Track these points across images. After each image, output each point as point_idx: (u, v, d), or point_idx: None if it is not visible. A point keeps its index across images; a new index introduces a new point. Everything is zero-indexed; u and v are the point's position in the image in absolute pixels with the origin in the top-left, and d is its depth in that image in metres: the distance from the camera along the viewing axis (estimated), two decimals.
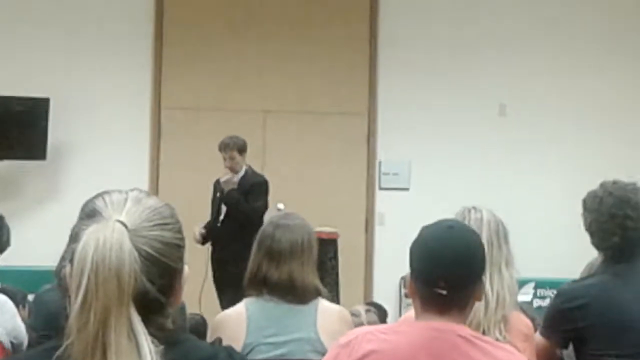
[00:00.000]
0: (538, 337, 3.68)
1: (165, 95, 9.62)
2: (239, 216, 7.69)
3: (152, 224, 1.66)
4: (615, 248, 3.68)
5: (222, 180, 7.92)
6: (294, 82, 9.67)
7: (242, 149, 8.01)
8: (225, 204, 7.89)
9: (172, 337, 1.66)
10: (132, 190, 1.74)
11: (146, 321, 1.58)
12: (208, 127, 9.38)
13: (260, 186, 8.02)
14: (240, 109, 9.56)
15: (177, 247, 1.69)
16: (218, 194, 8.00)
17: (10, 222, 8.88)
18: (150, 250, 1.62)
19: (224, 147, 7.99)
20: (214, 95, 9.61)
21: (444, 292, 2.43)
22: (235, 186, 7.85)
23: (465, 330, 2.44)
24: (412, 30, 9.83)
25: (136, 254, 1.59)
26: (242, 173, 7.98)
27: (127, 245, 1.58)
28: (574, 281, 3.93)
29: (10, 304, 3.74)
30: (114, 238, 1.57)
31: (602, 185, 3.76)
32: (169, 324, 1.66)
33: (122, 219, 1.63)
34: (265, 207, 7.90)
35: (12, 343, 3.62)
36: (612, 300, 3.59)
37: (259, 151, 9.49)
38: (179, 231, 1.72)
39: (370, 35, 9.83)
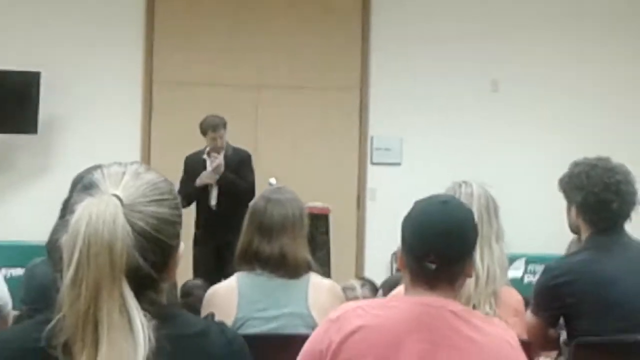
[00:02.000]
0: (529, 315, 3.70)
1: (157, 69, 9.59)
2: (240, 196, 7.41)
3: (148, 199, 1.65)
4: (615, 215, 3.70)
5: (211, 166, 7.77)
6: (286, 57, 9.65)
7: (226, 126, 7.95)
8: (225, 188, 7.72)
9: (165, 312, 1.66)
10: (131, 163, 1.73)
11: (139, 296, 1.58)
12: (200, 102, 9.35)
13: (249, 161, 7.97)
14: (232, 84, 9.54)
15: (173, 224, 1.69)
16: (206, 177, 7.83)
17: (1, 196, 8.95)
18: (144, 226, 1.62)
19: (213, 127, 7.82)
20: (206, 70, 9.57)
21: (433, 267, 2.44)
22: (222, 169, 7.77)
23: (455, 305, 2.44)
24: (405, 6, 9.81)
25: (130, 229, 1.59)
26: (224, 150, 7.90)
27: (121, 220, 1.57)
28: (561, 257, 3.95)
29: None
30: (107, 212, 1.57)
31: (577, 163, 3.81)
32: (161, 299, 1.66)
33: (118, 193, 1.62)
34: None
35: None
36: (599, 275, 3.60)
37: (252, 126, 9.48)
38: (176, 207, 1.71)
39: (363, 10, 9.81)
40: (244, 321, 3.51)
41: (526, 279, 9.01)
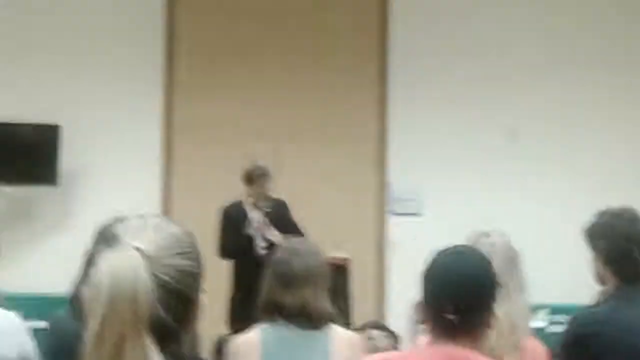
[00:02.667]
0: None
1: (177, 121, 9.63)
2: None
3: (170, 252, 1.65)
4: (637, 268, 3.68)
5: (258, 225, 7.76)
6: (303, 108, 9.67)
7: None
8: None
9: None
10: (153, 216, 1.74)
11: (161, 348, 1.58)
12: (219, 151, 9.39)
13: (288, 209, 7.99)
14: (251, 138, 9.55)
15: (195, 276, 1.69)
16: (249, 229, 7.81)
17: (22, 249, 8.98)
18: (167, 279, 1.62)
19: (259, 176, 7.84)
20: (225, 122, 9.60)
21: (452, 317, 2.42)
22: (267, 229, 7.73)
23: (478, 357, 2.42)
24: (423, 55, 9.82)
25: (152, 282, 1.59)
26: (265, 202, 7.90)
27: (143, 273, 1.57)
28: (588, 307, 3.92)
29: (18, 320, 3.72)
30: (129, 266, 1.57)
31: (602, 213, 3.80)
32: (183, 351, 1.66)
33: (140, 245, 1.63)
34: None
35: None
36: (624, 325, 3.57)
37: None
38: (198, 260, 1.71)
39: (380, 58, 9.84)
40: None
41: (550, 329, 8.94)
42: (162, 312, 1.60)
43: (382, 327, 6.39)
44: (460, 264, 2.48)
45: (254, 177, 7.75)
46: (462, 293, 2.44)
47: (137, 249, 1.61)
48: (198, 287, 1.70)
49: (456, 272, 2.46)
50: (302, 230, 7.74)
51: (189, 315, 1.68)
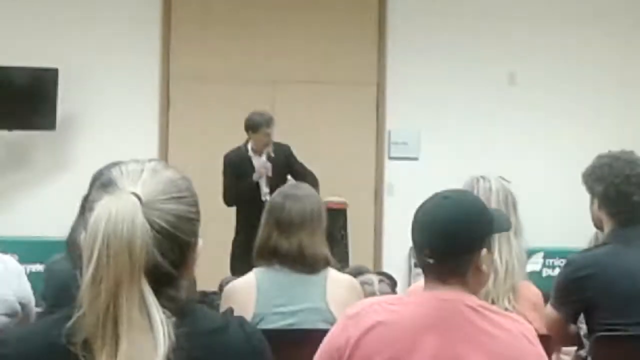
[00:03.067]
0: (549, 309, 3.67)
1: (174, 65, 9.60)
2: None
3: (167, 196, 1.65)
4: (636, 208, 3.69)
5: (258, 168, 7.74)
6: (302, 51, 9.65)
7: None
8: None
9: (184, 309, 1.66)
10: (149, 160, 1.73)
11: (158, 293, 1.59)
12: (217, 98, 9.39)
13: (293, 153, 7.97)
14: (248, 79, 9.54)
15: (192, 221, 1.69)
16: (254, 175, 7.79)
17: (20, 193, 9.00)
18: (163, 224, 1.63)
19: (266, 122, 7.75)
20: (222, 66, 9.58)
21: (431, 261, 2.45)
22: (270, 170, 7.75)
23: (472, 299, 2.44)
24: (422, 2, 9.79)
25: (148, 227, 1.59)
26: (269, 148, 7.87)
27: (140, 218, 1.58)
28: (583, 250, 3.92)
29: (14, 262, 3.73)
30: (126, 211, 1.57)
31: (601, 156, 3.80)
32: (180, 295, 1.66)
33: (136, 191, 1.63)
34: None
35: (20, 303, 3.63)
36: (620, 269, 3.57)
37: None
38: (194, 204, 1.71)
39: (379, 4, 9.79)
40: (262, 317, 3.52)
41: (544, 273, 8.99)
42: (159, 257, 1.61)
43: (378, 271, 6.42)
44: (440, 208, 2.49)
45: (257, 124, 7.72)
46: (437, 238, 2.46)
47: (134, 194, 1.62)
48: (195, 231, 1.70)
49: (435, 217, 2.47)
50: (309, 170, 7.79)
51: (186, 260, 1.69)
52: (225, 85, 9.52)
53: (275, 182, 7.47)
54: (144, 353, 1.53)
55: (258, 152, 7.82)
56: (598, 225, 3.86)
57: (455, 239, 2.46)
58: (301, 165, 7.90)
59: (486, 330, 2.37)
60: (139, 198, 1.61)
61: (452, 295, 2.42)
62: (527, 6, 9.79)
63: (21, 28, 9.29)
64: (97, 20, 9.42)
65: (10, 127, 9.13)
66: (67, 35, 9.34)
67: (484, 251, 2.46)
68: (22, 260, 3.88)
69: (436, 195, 2.54)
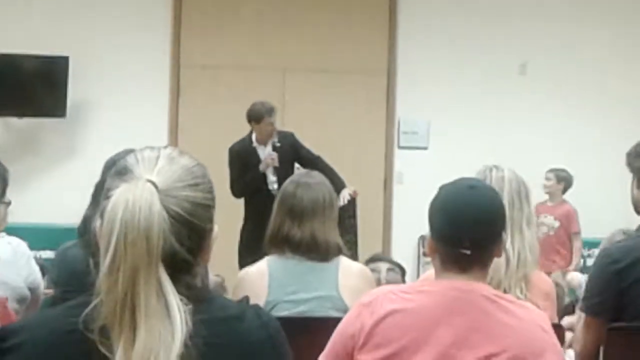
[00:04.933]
0: (589, 321, 3.43)
1: (185, 53, 9.60)
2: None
3: (183, 184, 1.65)
4: None
5: (265, 158, 7.71)
6: (313, 40, 9.64)
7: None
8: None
9: (200, 296, 1.66)
10: (165, 147, 1.73)
11: (175, 280, 1.59)
12: (227, 86, 9.39)
13: (298, 140, 7.95)
14: (259, 67, 9.54)
15: (207, 208, 1.69)
16: (261, 166, 7.76)
17: (30, 179, 9.01)
18: (180, 211, 1.62)
19: (268, 112, 7.73)
20: (233, 53, 9.58)
21: (468, 252, 2.44)
22: (276, 160, 7.70)
23: (487, 289, 2.45)
24: None
25: (165, 214, 1.59)
26: (273, 138, 7.89)
27: (157, 206, 1.58)
28: (618, 241, 3.74)
29: (24, 246, 3.73)
30: (143, 198, 1.57)
31: None
32: (197, 282, 1.67)
33: (152, 178, 1.63)
34: None
35: (29, 288, 3.64)
36: None
37: (278, 109, 9.47)
38: (210, 191, 1.71)
39: None
40: (274, 304, 3.52)
41: None
42: (176, 245, 1.61)
43: (388, 260, 6.42)
44: (474, 198, 2.49)
45: (259, 115, 7.72)
46: (477, 228, 2.46)
47: (150, 181, 1.62)
48: (211, 218, 1.71)
49: (471, 207, 2.47)
50: (317, 155, 7.80)
51: (202, 246, 1.69)
52: (235, 73, 9.52)
53: (283, 171, 7.47)
54: (161, 340, 1.53)
55: (263, 143, 7.82)
56: (637, 209, 3.55)
57: (493, 228, 2.49)
58: (308, 151, 7.89)
59: (501, 320, 2.38)
60: (156, 185, 1.61)
61: (467, 285, 2.43)
62: None
63: (32, 16, 9.30)
64: (108, 8, 9.41)
65: (21, 115, 9.15)
66: (78, 23, 9.35)
67: (505, 236, 2.50)
68: (32, 247, 3.88)
69: (457, 184, 2.53)
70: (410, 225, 9.02)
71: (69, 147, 9.38)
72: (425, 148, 9.77)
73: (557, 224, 8.33)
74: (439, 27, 9.70)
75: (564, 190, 8.39)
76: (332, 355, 2.52)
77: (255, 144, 7.83)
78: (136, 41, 9.41)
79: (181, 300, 1.57)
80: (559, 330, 2.83)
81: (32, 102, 9.10)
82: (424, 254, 8.99)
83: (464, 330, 2.37)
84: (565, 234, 8.25)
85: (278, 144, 7.79)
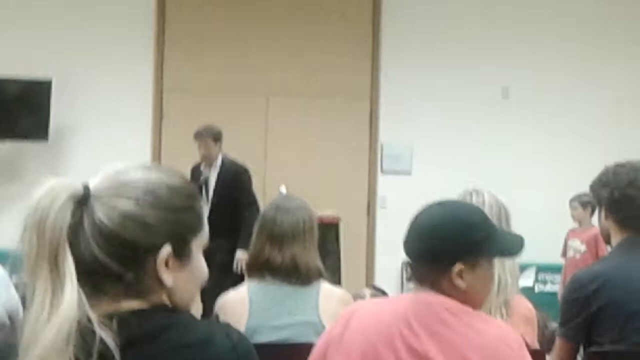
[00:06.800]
0: (558, 344, 3.53)
1: (168, 77, 9.61)
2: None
3: (117, 193, 1.61)
4: None
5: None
6: (296, 64, 9.66)
7: (216, 138, 8.00)
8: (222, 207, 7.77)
9: (159, 320, 1.60)
10: (142, 165, 1.71)
11: (93, 285, 1.55)
12: (210, 110, 9.39)
13: (245, 177, 8.05)
14: (242, 92, 9.55)
15: (145, 225, 1.60)
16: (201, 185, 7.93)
17: (12, 204, 8.96)
18: (104, 219, 1.58)
19: (198, 135, 8.03)
20: (216, 78, 9.59)
21: (415, 265, 2.50)
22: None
23: (453, 304, 2.42)
24: (415, 15, 9.81)
25: (87, 219, 1.57)
26: (219, 162, 7.97)
27: (62, 203, 1.55)
28: (587, 266, 3.81)
29: (2, 273, 3.69)
30: (53, 193, 1.57)
31: (607, 166, 3.71)
32: (132, 303, 1.60)
33: (91, 184, 1.62)
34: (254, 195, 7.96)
35: (8, 316, 3.59)
36: (624, 282, 3.43)
37: (262, 134, 9.49)
38: (160, 209, 1.63)
39: (373, 18, 9.81)
40: (254, 330, 3.50)
41: (537, 289, 8.99)
42: (95, 250, 1.56)
43: (373, 285, 6.42)
44: (426, 211, 2.52)
45: (194, 135, 7.94)
46: (414, 241, 2.49)
47: (83, 184, 1.60)
48: (152, 237, 1.62)
49: (417, 217, 2.51)
50: (253, 202, 7.87)
51: (138, 263, 1.61)
52: (218, 98, 9.52)
53: (219, 200, 7.57)
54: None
55: (205, 162, 8.01)
56: (607, 239, 3.71)
57: (424, 245, 2.48)
58: (247, 194, 7.96)
59: (460, 332, 2.35)
60: (87, 189, 1.59)
61: (434, 298, 2.42)
62: (521, 22, 9.81)
63: (15, 39, 9.29)
64: (91, 32, 9.42)
65: (3, 138, 9.12)
66: (61, 47, 9.35)
67: (457, 267, 2.43)
68: (12, 272, 3.83)
69: (433, 203, 2.55)
70: (394, 250, 8.95)
71: (51, 171, 9.32)
72: (408, 173, 9.78)
73: (583, 247, 8.35)
74: (422, 52, 9.74)
75: (592, 213, 8.35)
76: None
77: (202, 166, 8.05)
78: (119, 65, 9.42)
79: (106, 316, 1.53)
80: (538, 356, 2.81)
81: (14, 125, 9.08)
82: (408, 279, 8.98)
83: (417, 338, 2.36)
84: (592, 258, 8.22)
85: (206, 175, 7.90)
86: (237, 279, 6.72)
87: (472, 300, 2.47)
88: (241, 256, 7.54)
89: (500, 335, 2.39)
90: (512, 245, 2.58)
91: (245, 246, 7.52)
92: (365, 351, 2.39)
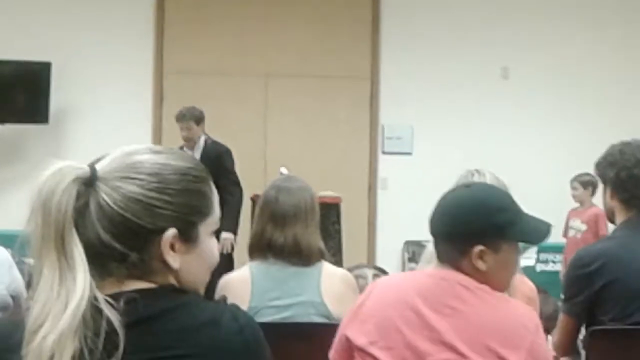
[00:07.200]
0: (562, 320, 3.59)
1: (167, 59, 9.60)
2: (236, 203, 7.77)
3: (120, 175, 1.60)
4: None
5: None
6: (295, 45, 9.64)
7: (198, 120, 7.99)
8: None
9: (165, 301, 1.59)
10: (153, 144, 1.71)
11: (99, 266, 1.55)
12: (210, 91, 9.38)
13: (227, 156, 8.01)
14: (242, 73, 9.53)
15: (147, 207, 1.60)
16: None
17: (12, 186, 8.97)
18: (109, 201, 1.57)
19: (180, 117, 8.01)
20: (216, 59, 9.58)
21: (437, 242, 2.54)
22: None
23: (469, 281, 2.44)
24: None
25: (93, 200, 1.57)
26: (201, 144, 7.96)
27: (67, 184, 1.55)
28: (590, 245, 3.82)
29: (5, 254, 3.70)
30: (59, 174, 1.56)
31: (613, 145, 3.69)
32: (137, 284, 1.60)
33: (98, 165, 1.61)
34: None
35: (11, 296, 3.61)
36: (627, 261, 3.44)
37: (262, 115, 9.47)
38: (162, 192, 1.62)
39: (374, 1, 9.78)
40: (257, 310, 3.51)
41: (538, 268, 9.00)
42: (100, 231, 1.56)
43: (374, 266, 6.42)
44: (453, 192, 2.58)
45: (176, 118, 7.96)
46: (437, 219, 2.54)
47: (90, 166, 1.60)
48: (157, 220, 1.61)
49: (443, 198, 2.56)
50: (235, 182, 7.87)
51: (143, 245, 1.60)
52: (218, 79, 9.51)
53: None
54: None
55: (187, 144, 8.00)
56: (611, 218, 3.71)
57: (447, 224, 2.51)
58: (228, 174, 7.90)
59: (473, 306, 2.38)
60: (94, 171, 1.59)
61: (450, 274, 2.45)
62: (521, 2, 9.79)
63: (14, 21, 9.27)
64: (91, 14, 9.40)
65: (3, 121, 9.12)
66: (60, 29, 9.33)
67: (477, 248, 2.45)
68: (15, 254, 3.85)
69: (462, 185, 2.63)
70: (395, 230, 9.03)
71: (51, 154, 9.27)
72: (409, 153, 9.78)
73: (584, 227, 8.35)
74: (421, 33, 9.72)
75: (593, 193, 8.35)
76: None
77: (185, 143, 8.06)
78: (119, 47, 9.40)
79: (114, 297, 1.53)
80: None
81: (14, 108, 9.08)
82: (409, 259, 8.99)
83: (433, 310, 2.40)
84: (593, 237, 8.21)
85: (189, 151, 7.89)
86: (224, 260, 6.76)
87: (491, 283, 2.47)
88: (226, 237, 7.57)
89: (517, 314, 2.41)
90: (535, 233, 2.63)
91: (229, 227, 7.55)
92: (379, 320, 2.43)
